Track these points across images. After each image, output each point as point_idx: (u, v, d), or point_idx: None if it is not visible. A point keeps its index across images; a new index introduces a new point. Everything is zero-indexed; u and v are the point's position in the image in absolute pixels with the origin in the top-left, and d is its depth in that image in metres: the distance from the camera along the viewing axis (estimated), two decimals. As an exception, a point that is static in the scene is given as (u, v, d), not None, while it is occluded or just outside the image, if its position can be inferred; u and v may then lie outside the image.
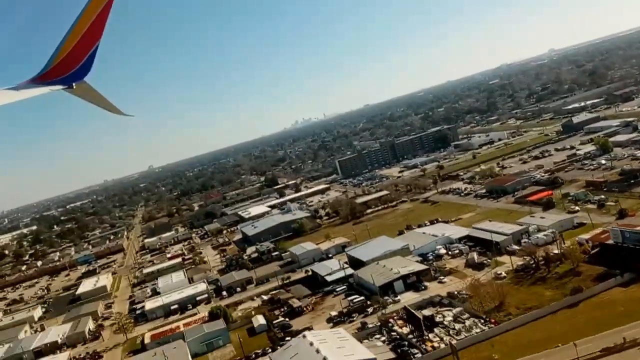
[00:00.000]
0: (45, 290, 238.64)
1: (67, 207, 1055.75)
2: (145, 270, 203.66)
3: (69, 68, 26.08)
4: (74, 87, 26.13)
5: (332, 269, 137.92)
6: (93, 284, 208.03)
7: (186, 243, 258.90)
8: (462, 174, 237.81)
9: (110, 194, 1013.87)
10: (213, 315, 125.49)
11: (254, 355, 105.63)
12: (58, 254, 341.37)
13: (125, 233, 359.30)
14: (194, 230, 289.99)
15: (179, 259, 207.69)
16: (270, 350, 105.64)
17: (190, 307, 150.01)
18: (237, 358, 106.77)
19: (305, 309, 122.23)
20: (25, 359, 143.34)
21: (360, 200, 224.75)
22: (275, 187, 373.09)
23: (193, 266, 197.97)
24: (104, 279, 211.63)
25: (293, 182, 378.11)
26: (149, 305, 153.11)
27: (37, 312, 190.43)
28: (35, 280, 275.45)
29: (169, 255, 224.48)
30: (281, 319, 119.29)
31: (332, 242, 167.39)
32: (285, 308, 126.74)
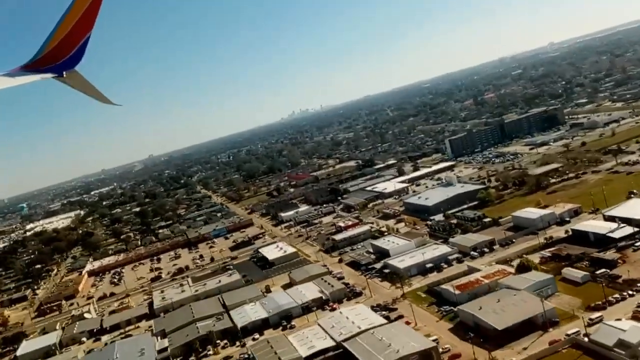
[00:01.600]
0: (206, 259, 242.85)
1: (91, 193, 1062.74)
2: (338, 237, 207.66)
3: (60, 56, 26.28)
4: (65, 75, 26.38)
5: (611, 227, 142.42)
6: (278, 251, 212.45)
7: (335, 215, 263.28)
8: (624, 147, 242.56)
9: (140, 180, 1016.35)
10: (523, 268, 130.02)
11: (614, 300, 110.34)
12: (167, 230, 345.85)
13: (231, 210, 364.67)
14: (323, 205, 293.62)
15: (367, 227, 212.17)
16: (627, 295, 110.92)
17: (446, 266, 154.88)
18: (592, 303, 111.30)
19: (618, 261, 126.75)
20: (294, 315, 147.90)
21: (534, 172, 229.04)
22: (376, 167, 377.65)
23: (386, 233, 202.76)
24: (287, 247, 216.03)
25: (393, 162, 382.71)
26: (401, 264, 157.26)
27: (236, 276, 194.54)
28: (173, 252, 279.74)
29: (341, 225, 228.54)
30: (602, 270, 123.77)
31: (563, 207, 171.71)
32: (587, 262, 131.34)
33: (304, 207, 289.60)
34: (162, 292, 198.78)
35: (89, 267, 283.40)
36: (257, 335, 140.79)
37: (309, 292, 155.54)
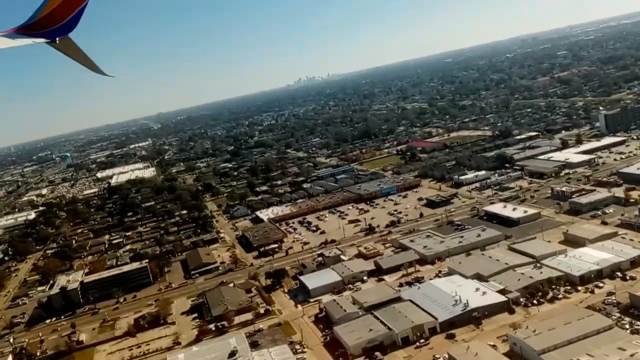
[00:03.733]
0: (409, 215, 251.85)
1: (130, 147, 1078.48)
2: (582, 201, 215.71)
3: (54, 22, 26.56)
4: (58, 41, 26.83)
5: None
6: (512, 211, 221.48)
7: (530, 182, 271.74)
8: None
9: (185, 137, 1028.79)
10: None
11: None
12: (315, 185, 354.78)
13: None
14: (497, 171, 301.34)
15: (604, 193, 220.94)
16: None
17: None
18: None
19: None
20: (622, 268, 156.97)
21: None
22: (517, 138, 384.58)
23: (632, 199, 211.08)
24: (519, 207, 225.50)
25: (533, 134, 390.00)
26: None
27: (493, 232, 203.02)
28: (351, 206, 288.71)
29: (564, 189, 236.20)
30: None
31: None
32: None
33: (481, 172, 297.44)
34: (412, 241, 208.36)
35: (264, 216, 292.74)
36: (600, 284, 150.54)
37: (624, 248, 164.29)
